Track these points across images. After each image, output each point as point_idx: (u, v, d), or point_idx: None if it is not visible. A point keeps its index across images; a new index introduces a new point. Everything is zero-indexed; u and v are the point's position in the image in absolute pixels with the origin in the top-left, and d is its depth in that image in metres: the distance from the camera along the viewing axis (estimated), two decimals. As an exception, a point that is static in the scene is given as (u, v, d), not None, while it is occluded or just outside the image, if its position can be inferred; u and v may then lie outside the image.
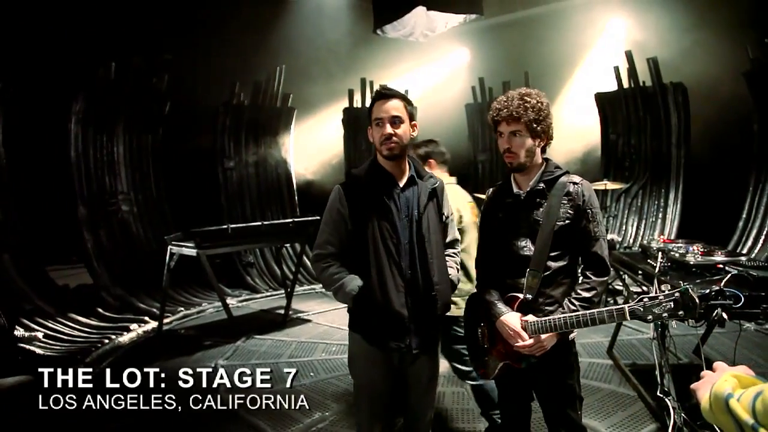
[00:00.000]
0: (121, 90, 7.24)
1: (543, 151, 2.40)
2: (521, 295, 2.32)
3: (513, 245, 2.36)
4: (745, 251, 7.07)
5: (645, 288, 4.08)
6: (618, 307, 2.06)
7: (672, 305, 1.94)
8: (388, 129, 2.37)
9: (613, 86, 8.79)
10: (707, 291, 3.11)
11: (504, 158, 2.35)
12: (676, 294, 1.93)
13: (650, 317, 1.96)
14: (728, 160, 7.59)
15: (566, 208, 2.29)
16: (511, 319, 2.28)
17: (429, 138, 3.74)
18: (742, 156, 7.57)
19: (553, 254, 2.29)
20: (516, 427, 2.57)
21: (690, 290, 1.91)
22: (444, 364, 4.79)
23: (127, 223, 7.37)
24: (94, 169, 7.12)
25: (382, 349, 2.42)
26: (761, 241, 7.15)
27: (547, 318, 2.23)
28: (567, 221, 2.29)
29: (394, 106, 2.40)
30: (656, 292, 2.03)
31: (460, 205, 3.60)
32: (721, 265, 3.63)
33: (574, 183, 2.33)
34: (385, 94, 2.41)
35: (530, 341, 2.24)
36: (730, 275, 3.32)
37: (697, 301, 1.93)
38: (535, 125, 2.28)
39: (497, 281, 2.42)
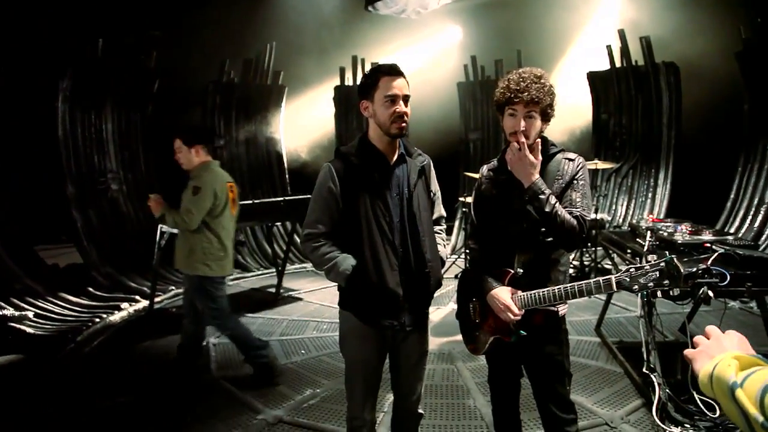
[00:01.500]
0: (108, 67, 7.13)
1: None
2: (512, 270, 2.34)
3: (506, 222, 2.36)
4: (732, 231, 7.14)
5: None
6: (605, 278, 2.08)
7: (657, 275, 1.95)
8: (403, 107, 2.34)
9: (605, 65, 8.77)
10: (694, 269, 3.16)
11: (510, 138, 2.30)
12: (662, 264, 1.93)
13: (636, 287, 1.97)
14: (718, 140, 7.62)
15: (559, 184, 2.30)
16: (502, 293, 2.30)
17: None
18: (731, 136, 7.60)
19: (544, 231, 2.29)
20: (505, 402, 2.61)
21: (675, 260, 1.92)
22: (433, 341, 4.86)
23: (116, 201, 7.32)
24: (83, 148, 7.05)
25: (375, 327, 2.43)
26: (749, 221, 7.22)
27: (535, 291, 2.25)
28: (558, 196, 2.28)
29: (405, 84, 2.36)
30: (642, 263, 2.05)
31: (218, 187, 4.14)
32: (708, 244, 3.68)
33: (570, 159, 2.35)
34: (397, 71, 2.36)
35: (520, 314, 2.26)
36: (716, 254, 3.35)
37: (682, 270, 1.93)
38: (549, 110, 2.29)
39: (490, 257, 2.43)
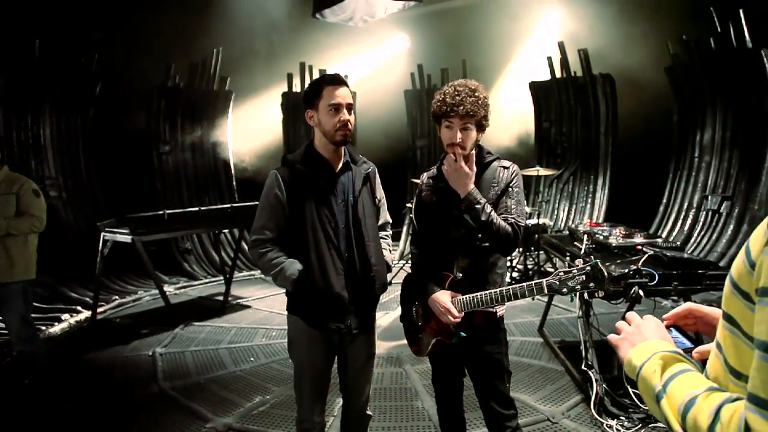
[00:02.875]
0: (47, 69, 6.90)
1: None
2: (452, 274, 2.43)
3: (445, 228, 2.45)
4: (664, 234, 7.55)
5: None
6: (537, 281, 2.18)
7: (584, 278, 2.06)
8: (347, 115, 2.40)
9: (546, 76, 9.10)
10: (626, 270, 3.36)
11: (447, 149, 2.37)
12: (587, 268, 2.05)
13: (565, 290, 2.08)
14: (651, 148, 8.05)
15: (494, 191, 2.39)
16: (442, 296, 2.38)
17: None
18: (663, 145, 8.05)
19: (481, 236, 2.38)
20: (449, 401, 2.70)
21: (599, 264, 2.04)
22: (381, 345, 4.93)
23: (55, 209, 7.06)
24: (18, 153, 6.79)
25: (322, 331, 2.47)
26: (679, 224, 7.65)
27: (474, 294, 2.34)
28: (494, 204, 2.37)
29: (348, 93, 2.42)
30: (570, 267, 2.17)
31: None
32: (639, 247, 3.90)
33: (504, 167, 2.44)
34: (340, 80, 2.42)
35: (459, 316, 2.35)
36: (646, 255, 3.57)
37: (605, 273, 2.04)
38: (484, 121, 2.36)
39: (431, 262, 2.51)
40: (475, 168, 2.37)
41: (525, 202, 2.48)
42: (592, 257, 3.57)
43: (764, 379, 0.77)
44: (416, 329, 2.62)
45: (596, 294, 2.08)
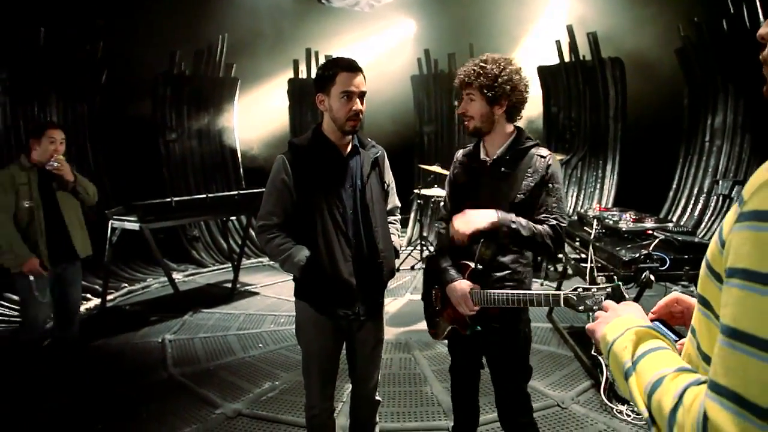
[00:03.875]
0: (52, 58, 6.88)
1: (512, 119, 2.37)
2: (473, 264, 2.35)
3: (461, 207, 2.34)
4: (674, 219, 7.49)
5: (582, 254, 4.28)
6: (555, 293, 2.09)
7: (603, 298, 1.92)
8: (359, 105, 2.36)
9: (555, 60, 8.99)
10: (637, 255, 3.33)
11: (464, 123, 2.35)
12: (608, 288, 1.92)
13: (582, 307, 1.98)
14: (661, 132, 7.95)
15: (528, 180, 2.27)
16: (460, 287, 2.32)
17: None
18: (673, 129, 7.95)
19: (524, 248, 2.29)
20: (464, 391, 2.65)
21: (621, 287, 1.90)
22: (390, 331, 4.93)
23: (63, 197, 7.08)
24: (26, 141, 6.77)
25: (330, 317, 2.46)
26: (689, 209, 7.58)
27: (492, 291, 2.25)
28: (527, 194, 2.26)
29: (363, 81, 2.38)
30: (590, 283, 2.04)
31: None
32: (650, 231, 3.86)
33: (541, 156, 2.30)
34: (356, 67, 2.37)
35: (475, 309, 2.28)
36: (657, 240, 3.53)
37: (626, 296, 1.89)
38: (486, 90, 2.24)
39: (455, 246, 2.40)
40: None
41: (564, 197, 2.36)
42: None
43: (726, 365, 0.71)
44: (434, 312, 2.59)
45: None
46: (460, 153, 2.56)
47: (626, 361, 0.96)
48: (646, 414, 0.87)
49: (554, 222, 2.24)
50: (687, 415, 0.76)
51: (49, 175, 3.91)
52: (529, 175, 2.27)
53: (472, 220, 2.19)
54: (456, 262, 2.42)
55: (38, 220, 3.84)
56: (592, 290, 1.97)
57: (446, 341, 2.64)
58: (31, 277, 3.83)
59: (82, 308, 6.00)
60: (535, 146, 2.34)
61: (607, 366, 3.66)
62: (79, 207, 4.11)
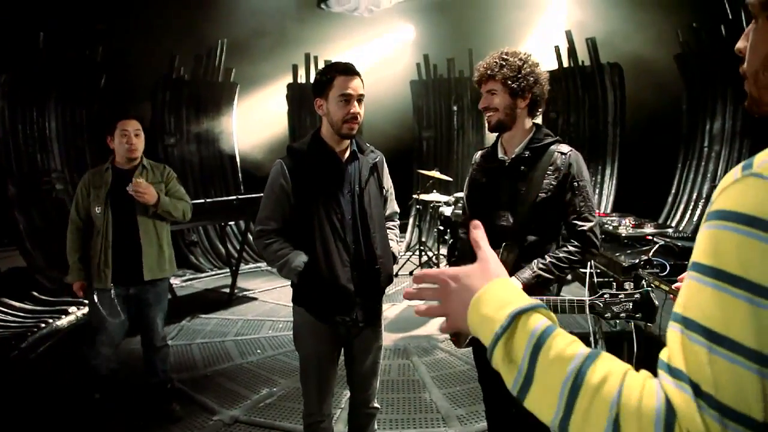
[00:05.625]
0: (51, 62, 6.87)
1: (532, 114, 2.30)
2: None
3: (492, 214, 2.27)
4: (673, 224, 7.48)
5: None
6: (580, 299, 2.02)
7: (630, 306, 1.87)
8: (357, 108, 2.35)
9: (553, 65, 9.00)
10: (636, 260, 3.31)
11: (485, 119, 2.29)
12: (636, 296, 1.85)
13: (608, 315, 1.90)
14: (660, 138, 7.95)
15: (550, 179, 2.18)
16: None
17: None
18: (672, 134, 7.95)
19: (532, 228, 2.21)
20: (497, 400, 2.49)
21: (651, 293, 1.83)
22: (388, 337, 4.91)
23: (61, 202, 7.05)
24: (24, 146, 6.77)
25: (328, 323, 2.44)
26: (688, 215, 7.57)
27: None
28: (549, 194, 2.17)
29: (360, 85, 2.37)
30: (617, 290, 1.95)
31: None
32: (650, 237, 3.85)
33: (562, 153, 2.20)
34: (353, 71, 2.37)
35: None
36: (657, 245, 3.52)
37: (656, 304, 1.84)
38: (510, 82, 2.17)
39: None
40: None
41: (592, 194, 2.23)
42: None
43: (684, 351, 0.67)
44: None
45: (644, 326, 1.91)
46: (478, 154, 2.49)
47: (546, 325, 0.81)
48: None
49: (584, 227, 2.16)
50: (640, 421, 0.67)
51: (127, 178, 3.41)
52: (550, 173, 2.18)
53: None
54: None
55: (103, 233, 3.36)
56: (620, 296, 1.90)
57: (458, 350, 2.58)
58: (95, 298, 3.44)
59: (80, 313, 5.98)
60: (555, 143, 2.25)
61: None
62: (165, 223, 3.60)
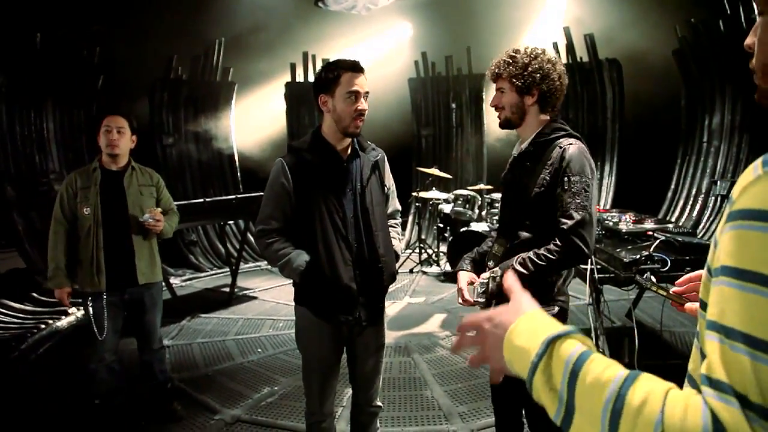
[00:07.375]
0: (48, 63, 6.85)
1: (545, 110, 2.23)
2: (491, 263, 2.27)
3: (501, 208, 2.36)
4: (673, 219, 7.48)
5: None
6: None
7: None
8: (364, 104, 2.34)
9: (552, 61, 8.99)
10: (637, 256, 3.31)
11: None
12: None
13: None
14: (658, 133, 7.95)
15: (545, 174, 2.11)
16: (461, 276, 2.32)
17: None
18: (671, 130, 7.95)
19: (525, 224, 2.17)
20: (505, 402, 2.47)
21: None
22: (390, 335, 4.90)
23: (60, 203, 7.05)
24: (22, 148, 6.76)
25: (330, 322, 2.43)
26: (688, 209, 7.58)
27: (482, 278, 2.18)
28: (543, 188, 2.10)
29: (366, 82, 2.36)
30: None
31: None
32: (650, 232, 3.84)
33: (560, 147, 2.12)
34: (360, 67, 2.36)
35: (469, 301, 2.22)
36: (658, 241, 3.51)
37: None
38: (516, 80, 2.15)
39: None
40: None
41: (589, 188, 2.05)
42: (603, 244, 3.45)
43: (725, 361, 0.66)
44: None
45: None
46: (515, 148, 2.41)
47: (580, 349, 0.81)
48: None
49: (565, 224, 2.01)
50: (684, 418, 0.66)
51: (117, 179, 3.38)
52: (547, 168, 2.11)
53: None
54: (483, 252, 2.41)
55: (93, 234, 3.27)
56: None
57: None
58: (90, 306, 3.36)
59: (79, 314, 5.98)
60: (563, 137, 2.15)
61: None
62: None
